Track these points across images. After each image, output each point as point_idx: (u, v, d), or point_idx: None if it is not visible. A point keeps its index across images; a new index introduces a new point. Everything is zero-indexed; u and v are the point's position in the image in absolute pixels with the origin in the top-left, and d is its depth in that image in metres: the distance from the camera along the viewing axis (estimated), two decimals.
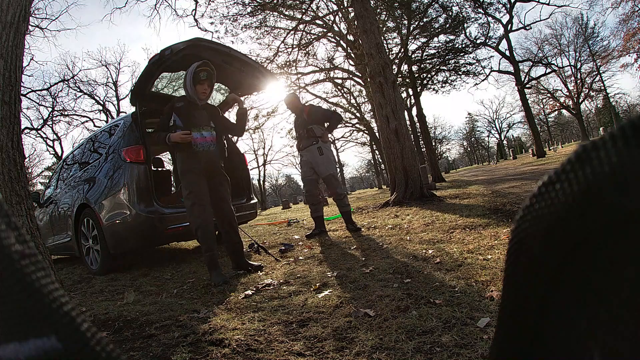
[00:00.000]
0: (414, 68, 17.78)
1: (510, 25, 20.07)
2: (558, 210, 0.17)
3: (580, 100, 30.58)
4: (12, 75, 2.06)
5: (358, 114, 20.65)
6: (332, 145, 4.02)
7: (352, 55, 13.80)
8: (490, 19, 18.67)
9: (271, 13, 12.67)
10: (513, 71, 21.01)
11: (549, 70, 26.59)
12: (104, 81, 31.91)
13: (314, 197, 4.02)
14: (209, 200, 2.51)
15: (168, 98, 3.76)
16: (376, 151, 27.27)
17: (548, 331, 0.20)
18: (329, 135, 3.96)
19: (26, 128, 20.45)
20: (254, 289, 2.11)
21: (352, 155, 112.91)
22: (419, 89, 17.75)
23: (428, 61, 18.27)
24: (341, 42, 14.33)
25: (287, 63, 13.24)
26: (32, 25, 14.93)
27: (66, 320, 0.18)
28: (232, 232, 2.63)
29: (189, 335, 1.45)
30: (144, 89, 3.26)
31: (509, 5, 19.26)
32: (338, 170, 4.04)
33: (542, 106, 39.34)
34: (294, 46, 12.72)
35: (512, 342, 0.22)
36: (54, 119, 21.86)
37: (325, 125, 4.00)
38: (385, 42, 14.88)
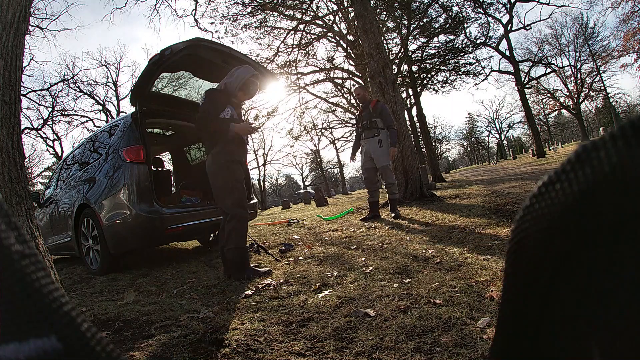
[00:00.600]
0: (414, 68, 17.77)
1: (510, 25, 20.07)
2: (558, 210, 0.17)
3: (580, 100, 30.58)
4: (12, 75, 2.06)
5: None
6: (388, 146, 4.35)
7: (352, 55, 13.78)
8: (490, 19, 18.68)
9: (271, 13, 12.66)
10: (513, 71, 21.01)
11: (549, 70, 26.60)
12: (104, 81, 31.91)
13: (373, 183, 4.49)
14: None
15: (168, 98, 3.77)
16: None
17: (548, 331, 0.20)
18: (394, 150, 4.32)
19: (26, 128, 20.45)
20: (254, 289, 2.11)
21: None
22: (419, 89, 17.75)
23: (428, 61, 18.26)
24: (341, 42, 14.33)
25: (287, 63, 13.23)
26: (32, 25, 14.93)
27: (66, 320, 0.18)
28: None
29: (189, 335, 1.45)
30: (144, 89, 3.26)
31: (509, 5, 19.26)
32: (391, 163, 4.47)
33: (542, 106, 39.36)
34: (294, 46, 12.71)
35: (512, 342, 0.22)
36: (54, 119, 21.87)
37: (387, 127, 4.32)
38: (385, 42, 14.88)
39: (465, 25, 17.44)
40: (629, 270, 0.15)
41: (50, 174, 15.69)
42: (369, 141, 4.36)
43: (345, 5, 12.21)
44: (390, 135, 4.28)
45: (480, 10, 17.41)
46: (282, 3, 12.01)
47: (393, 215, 4.26)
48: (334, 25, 13.51)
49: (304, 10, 12.08)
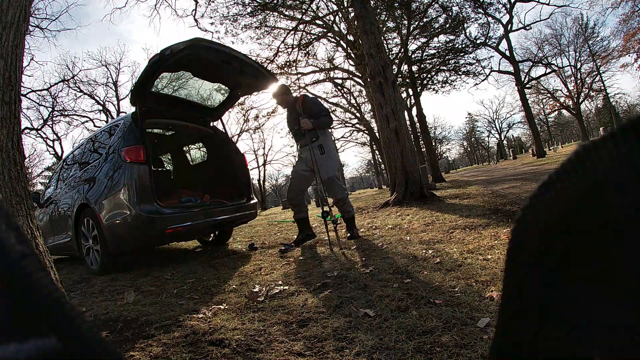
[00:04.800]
0: (414, 68, 17.78)
1: (510, 25, 20.09)
2: (558, 211, 0.17)
3: (580, 100, 30.59)
4: (12, 75, 2.05)
5: (358, 114, 20.65)
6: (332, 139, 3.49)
7: (352, 55, 13.79)
8: (490, 19, 18.68)
9: (271, 13, 12.67)
10: (513, 71, 21.03)
11: (549, 70, 26.63)
12: (104, 81, 31.89)
13: (300, 193, 3.52)
14: None
15: (168, 98, 3.76)
16: (376, 151, 27.27)
17: (548, 331, 0.20)
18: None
19: (26, 128, 20.45)
20: (255, 289, 2.11)
21: (352, 155, 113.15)
22: (419, 89, 17.75)
23: (428, 61, 18.27)
24: (341, 42, 14.33)
25: (287, 63, 13.24)
26: (32, 25, 14.94)
27: (66, 320, 0.18)
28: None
29: (189, 335, 1.45)
30: (144, 89, 3.26)
31: (509, 5, 19.28)
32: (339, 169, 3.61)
33: (542, 106, 39.40)
34: (294, 46, 12.71)
35: (512, 342, 0.22)
36: (54, 119, 21.87)
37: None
38: (385, 42, 14.89)
39: (465, 25, 17.46)
40: (629, 271, 0.15)
41: (50, 174, 15.69)
42: (306, 149, 3.42)
43: (345, 5, 12.21)
44: (327, 119, 3.41)
45: (480, 10, 17.41)
46: (282, 3, 12.01)
47: (349, 235, 3.42)
48: (334, 25, 13.52)
49: (304, 11, 12.09)
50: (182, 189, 4.52)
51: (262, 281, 2.27)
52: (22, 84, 2.24)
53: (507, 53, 20.69)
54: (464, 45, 18.04)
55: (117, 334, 1.58)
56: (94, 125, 22.79)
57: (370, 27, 6.35)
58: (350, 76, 16.04)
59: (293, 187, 3.48)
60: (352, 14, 10.71)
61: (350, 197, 19.13)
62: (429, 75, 18.59)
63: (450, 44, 17.63)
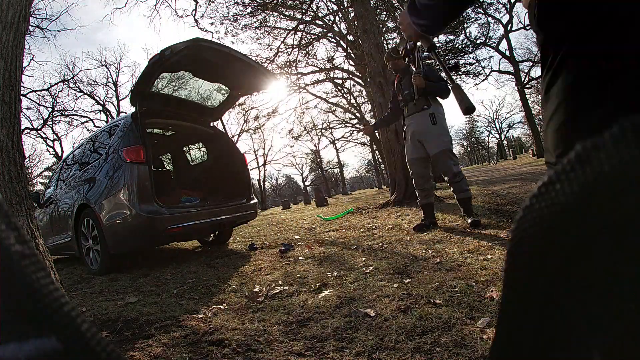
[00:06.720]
0: None
1: (510, 25, 20.11)
2: (558, 210, 0.17)
3: None
4: (12, 76, 2.05)
5: (358, 114, 20.68)
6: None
7: (352, 55, 13.80)
8: (490, 19, 18.72)
9: (271, 13, 12.67)
10: (513, 71, 21.03)
11: None
12: (104, 81, 31.91)
13: (426, 179, 3.26)
14: None
15: (168, 98, 3.77)
16: (376, 151, 27.29)
17: (548, 331, 0.20)
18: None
19: (26, 128, 20.47)
20: (255, 289, 2.11)
21: (352, 155, 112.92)
22: None
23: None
24: (341, 42, 14.34)
25: (287, 63, 13.24)
26: (32, 26, 14.95)
27: (66, 321, 0.18)
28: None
29: (189, 335, 1.45)
30: (144, 89, 3.26)
31: (509, 6, 19.29)
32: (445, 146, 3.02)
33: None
34: (294, 46, 12.71)
35: (512, 342, 0.22)
36: (54, 119, 21.89)
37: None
38: (385, 42, 14.88)
39: (465, 25, 17.48)
40: (629, 271, 0.15)
41: (50, 174, 15.69)
42: (415, 118, 3.08)
43: (345, 5, 12.22)
44: (440, 85, 3.05)
45: (480, 10, 17.44)
46: (282, 3, 12.01)
47: (470, 221, 2.96)
48: (334, 25, 13.53)
49: (304, 11, 12.09)
50: (182, 189, 4.52)
51: (262, 281, 2.27)
52: (22, 84, 2.24)
53: (507, 53, 20.70)
54: (464, 45, 18.08)
55: (117, 334, 1.58)
56: (94, 125, 22.82)
57: (370, 27, 6.35)
58: (350, 76, 16.05)
59: (418, 174, 3.25)
60: (352, 14, 10.71)
61: (350, 197, 19.09)
62: None
63: (450, 44, 17.66)
